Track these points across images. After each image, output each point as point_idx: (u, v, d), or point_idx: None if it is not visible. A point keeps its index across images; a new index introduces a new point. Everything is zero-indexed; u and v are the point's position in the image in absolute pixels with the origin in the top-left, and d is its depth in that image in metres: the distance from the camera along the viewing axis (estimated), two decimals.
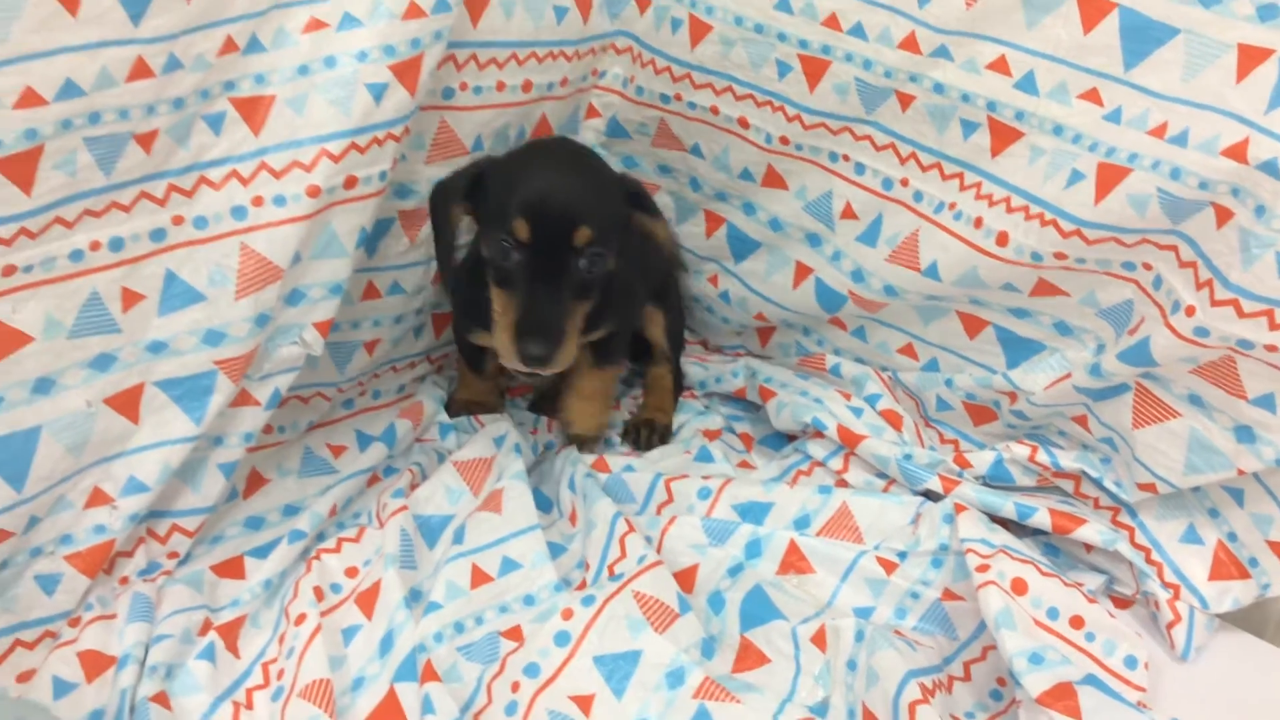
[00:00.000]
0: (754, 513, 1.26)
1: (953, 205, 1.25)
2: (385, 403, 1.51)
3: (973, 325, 1.34)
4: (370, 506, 1.33)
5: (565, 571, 1.21)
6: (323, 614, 1.12)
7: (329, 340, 1.35)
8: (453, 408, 1.52)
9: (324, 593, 1.16)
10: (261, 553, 1.25)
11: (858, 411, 1.40)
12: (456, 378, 1.59)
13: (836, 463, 1.37)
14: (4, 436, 1.04)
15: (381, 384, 1.52)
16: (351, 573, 1.20)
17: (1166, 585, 1.19)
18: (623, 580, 1.12)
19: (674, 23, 1.38)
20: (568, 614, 1.09)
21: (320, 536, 1.28)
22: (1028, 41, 1.14)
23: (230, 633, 1.13)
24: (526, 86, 1.39)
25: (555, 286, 1.13)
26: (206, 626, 1.14)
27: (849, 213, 1.36)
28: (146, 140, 1.06)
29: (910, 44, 1.20)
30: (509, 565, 1.17)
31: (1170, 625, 1.17)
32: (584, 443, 1.46)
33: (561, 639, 1.07)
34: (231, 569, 1.24)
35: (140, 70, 1.02)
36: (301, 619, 1.11)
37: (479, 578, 1.15)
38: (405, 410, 1.49)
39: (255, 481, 1.36)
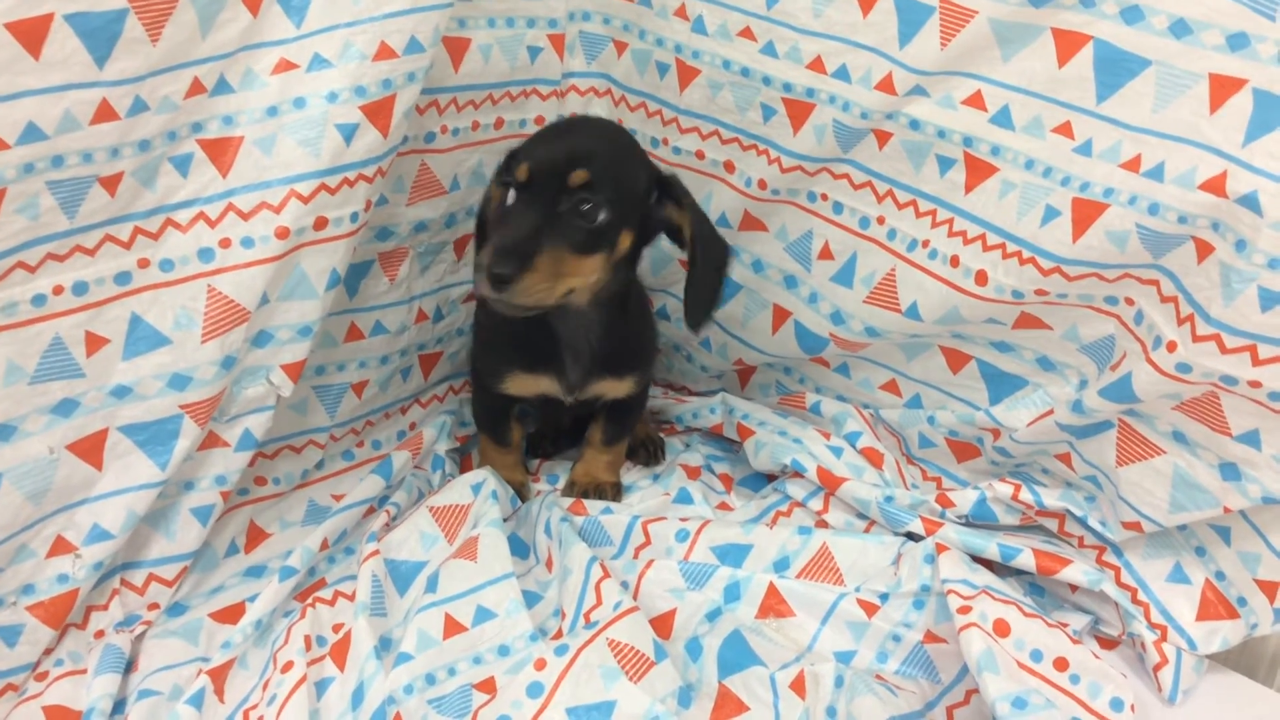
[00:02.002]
0: (733, 555, 1.23)
1: (926, 243, 1.24)
2: (386, 452, 1.48)
3: (956, 360, 1.32)
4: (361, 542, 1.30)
5: (541, 620, 1.19)
6: (309, 664, 1.10)
7: (317, 385, 1.35)
8: None
9: (312, 644, 1.13)
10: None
11: (837, 451, 1.38)
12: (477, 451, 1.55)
13: (816, 503, 1.35)
14: None
15: (379, 433, 1.50)
16: (338, 629, 1.16)
17: (1153, 626, 1.17)
18: (597, 628, 1.09)
19: (660, 67, 1.38)
20: (540, 664, 1.06)
21: (312, 572, 1.27)
22: (1003, 76, 1.13)
23: (219, 675, 1.10)
24: (499, 124, 1.40)
25: (539, 219, 1.11)
26: (198, 673, 1.10)
27: (826, 253, 1.35)
28: (111, 183, 1.05)
29: (886, 85, 1.19)
30: (483, 614, 1.14)
31: (1157, 667, 1.14)
32: (589, 491, 1.44)
33: (534, 690, 1.04)
34: (231, 615, 1.21)
35: (105, 113, 1.01)
36: (289, 666, 1.08)
37: (452, 628, 1.12)
38: (406, 441, 1.48)
39: (256, 535, 1.34)
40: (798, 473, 1.36)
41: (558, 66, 1.41)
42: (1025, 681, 1.04)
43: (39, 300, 1.04)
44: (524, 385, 1.35)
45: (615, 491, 1.45)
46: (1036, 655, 1.07)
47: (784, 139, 1.30)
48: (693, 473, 1.49)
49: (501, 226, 1.13)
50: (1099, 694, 1.06)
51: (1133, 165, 1.05)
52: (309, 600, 1.19)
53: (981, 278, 1.18)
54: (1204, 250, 1.01)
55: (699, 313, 1.24)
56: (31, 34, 0.94)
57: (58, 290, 1.05)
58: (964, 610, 1.08)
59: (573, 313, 1.25)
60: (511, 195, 1.14)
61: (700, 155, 1.40)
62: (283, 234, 1.12)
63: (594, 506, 1.35)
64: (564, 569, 1.22)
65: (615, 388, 1.36)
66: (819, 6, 1.22)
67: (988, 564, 1.21)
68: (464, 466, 1.55)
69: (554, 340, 1.30)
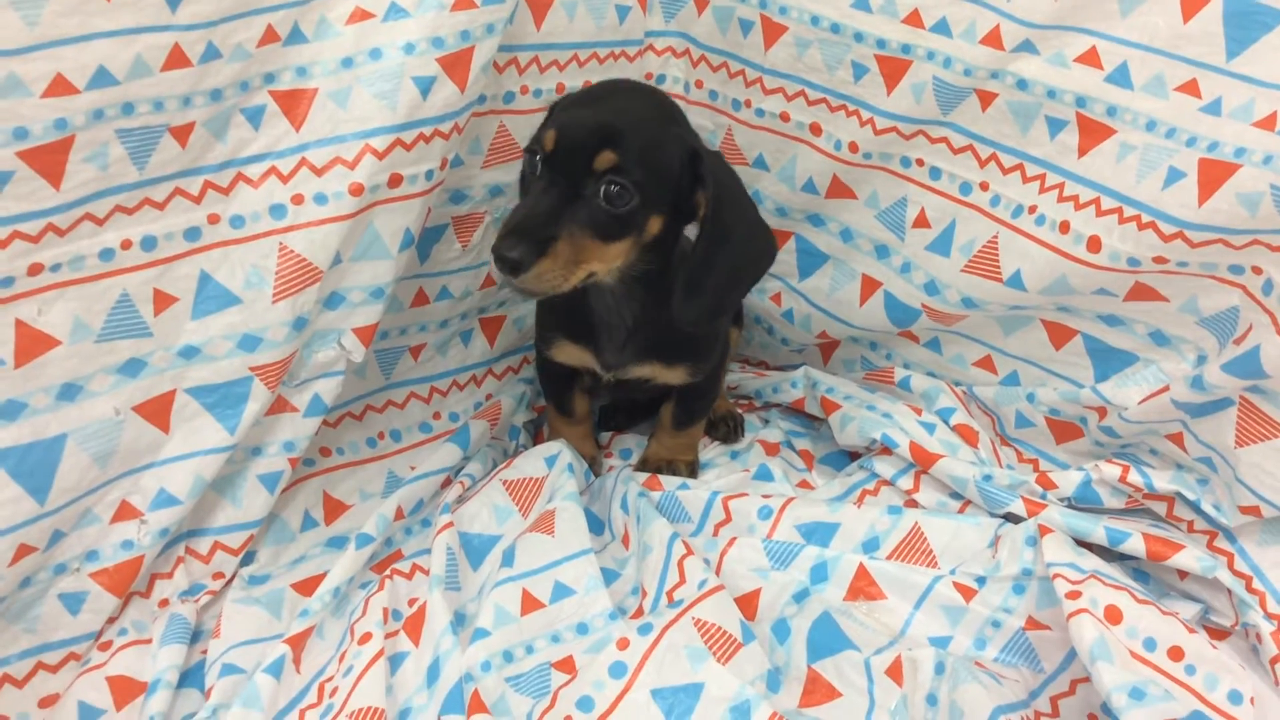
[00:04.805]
0: (819, 534, 1.18)
1: (1033, 209, 1.18)
2: (463, 423, 1.43)
3: (1059, 335, 1.26)
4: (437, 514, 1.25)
5: (620, 598, 1.14)
6: (385, 636, 1.06)
7: (380, 349, 1.32)
8: None
9: (389, 616, 1.09)
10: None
11: (930, 427, 1.32)
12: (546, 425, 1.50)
13: (906, 481, 1.29)
14: (27, 445, 0.98)
15: (455, 405, 1.46)
16: (413, 602, 1.12)
17: (1269, 616, 1.10)
18: (682, 607, 1.04)
19: (744, 24, 1.32)
20: (623, 644, 1.02)
21: (389, 543, 1.24)
22: (1121, 32, 1.07)
23: (297, 644, 1.07)
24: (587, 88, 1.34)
25: (563, 202, 1.02)
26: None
27: (922, 220, 1.29)
28: (182, 133, 1.01)
29: (994, 39, 1.13)
30: (561, 591, 1.10)
31: (1274, 660, 1.07)
32: (662, 467, 1.38)
33: (617, 670, 1.00)
34: (312, 586, 1.16)
35: (177, 59, 0.97)
36: (366, 638, 1.04)
37: (530, 604, 1.08)
38: (483, 411, 1.44)
39: (336, 507, 1.31)
40: (887, 449, 1.30)
41: (642, 24, 1.35)
42: (1141, 672, 0.97)
43: (107, 255, 1.01)
44: (568, 354, 1.29)
45: (690, 469, 1.39)
46: (1150, 644, 1.01)
47: (877, 99, 1.24)
48: (771, 449, 1.44)
49: (520, 204, 1.06)
50: (1216, 686, 1.00)
51: (1268, 123, 0.99)
52: (386, 572, 1.15)
53: (1094, 244, 1.12)
54: None
55: (692, 306, 1.11)
56: None
57: (126, 245, 1.02)
58: (1073, 595, 1.02)
59: (604, 289, 1.17)
60: (533, 164, 1.06)
61: (785, 117, 1.34)
62: (356, 190, 1.08)
63: (670, 482, 1.29)
64: (643, 546, 1.17)
65: (666, 374, 1.27)
66: None
67: (1089, 547, 1.14)
68: (537, 439, 1.50)
69: (589, 314, 1.23)
